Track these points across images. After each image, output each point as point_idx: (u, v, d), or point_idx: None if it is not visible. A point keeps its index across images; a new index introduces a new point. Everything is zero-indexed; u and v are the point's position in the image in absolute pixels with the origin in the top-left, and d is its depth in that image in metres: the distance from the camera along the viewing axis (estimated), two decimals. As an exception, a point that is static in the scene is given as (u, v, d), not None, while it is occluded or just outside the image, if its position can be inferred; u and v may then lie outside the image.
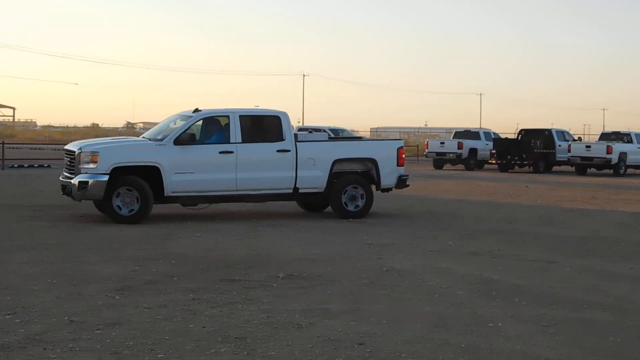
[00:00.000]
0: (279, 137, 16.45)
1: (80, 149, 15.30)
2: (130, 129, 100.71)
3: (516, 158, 40.55)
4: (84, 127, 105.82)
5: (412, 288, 9.40)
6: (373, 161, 17.19)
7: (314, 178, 16.58)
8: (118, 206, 15.06)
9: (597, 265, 11.31)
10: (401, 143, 18.36)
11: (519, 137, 42.50)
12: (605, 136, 42.60)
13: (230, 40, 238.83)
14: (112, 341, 6.87)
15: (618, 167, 38.93)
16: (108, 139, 17.45)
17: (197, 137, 15.93)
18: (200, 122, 16.16)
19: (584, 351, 6.88)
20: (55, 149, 54.12)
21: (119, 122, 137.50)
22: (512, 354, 6.74)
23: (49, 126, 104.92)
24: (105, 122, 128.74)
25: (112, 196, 14.99)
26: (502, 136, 47.44)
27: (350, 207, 16.80)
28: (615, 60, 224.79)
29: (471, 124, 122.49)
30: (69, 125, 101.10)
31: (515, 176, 36.34)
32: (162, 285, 9.31)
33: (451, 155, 42.81)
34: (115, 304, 8.29)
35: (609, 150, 38.56)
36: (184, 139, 15.57)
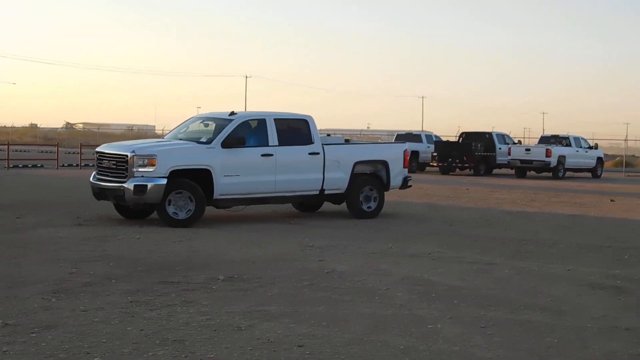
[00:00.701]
0: (309, 140, 17.06)
1: (133, 152, 15.04)
2: (69, 129, 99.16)
3: (457, 161, 40.92)
4: (22, 127, 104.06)
5: (353, 290, 9.40)
6: (384, 163, 18.15)
7: (338, 179, 17.32)
8: (173, 210, 15.12)
9: (535, 267, 11.43)
10: (406, 146, 19.54)
11: (460, 140, 42.90)
12: (544, 139, 43.14)
13: (169, 40, 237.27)
14: (48, 344, 6.75)
15: (557, 170, 39.48)
16: (147, 141, 17.10)
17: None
18: (241, 125, 16.25)
19: (520, 352, 6.94)
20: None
21: (57, 123, 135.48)
22: (450, 355, 6.77)
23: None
24: (43, 123, 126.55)
25: (166, 199, 15.03)
26: (444, 139, 47.78)
27: (364, 207, 17.70)
28: (555, 64, 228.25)
29: (413, 126, 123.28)
30: (6, 125, 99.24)
31: (456, 179, 36.63)
32: (100, 287, 9.19)
33: (393, 157, 42.88)
34: (51, 307, 8.15)
35: (548, 154, 39.10)
36: (232, 142, 15.75)
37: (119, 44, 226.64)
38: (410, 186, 19.21)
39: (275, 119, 16.67)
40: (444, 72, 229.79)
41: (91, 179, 15.99)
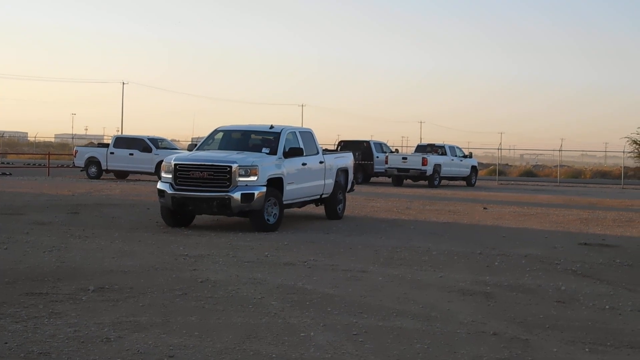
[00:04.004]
0: (316, 151, 19.16)
1: (236, 162, 15.86)
2: None
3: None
4: None
5: (226, 299, 9.33)
6: (346, 170, 20.82)
7: (329, 185, 19.55)
8: (267, 217, 16.40)
9: (408, 274, 11.58)
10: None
11: (338, 149, 43.23)
12: (421, 148, 43.96)
13: (46, 45, 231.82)
14: None
15: (432, 179, 40.26)
16: (225, 153, 16.98)
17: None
18: (287, 137, 17.74)
19: (391, 358, 7.02)
20: None
21: None
22: (321, 363, 6.79)
23: None
24: None
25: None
26: (322, 147, 48.04)
27: (337, 209, 19.96)
28: (432, 76, 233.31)
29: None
30: None
31: (335, 187, 36.82)
32: (-37, 300, 8.85)
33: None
34: None
35: (424, 162, 39.84)
36: (291, 152, 17.31)
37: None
38: (354, 190, 22.12)
39: (299, 132, 18.55)
40: (324, 82, 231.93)
41: (168, 190, 16.07)
